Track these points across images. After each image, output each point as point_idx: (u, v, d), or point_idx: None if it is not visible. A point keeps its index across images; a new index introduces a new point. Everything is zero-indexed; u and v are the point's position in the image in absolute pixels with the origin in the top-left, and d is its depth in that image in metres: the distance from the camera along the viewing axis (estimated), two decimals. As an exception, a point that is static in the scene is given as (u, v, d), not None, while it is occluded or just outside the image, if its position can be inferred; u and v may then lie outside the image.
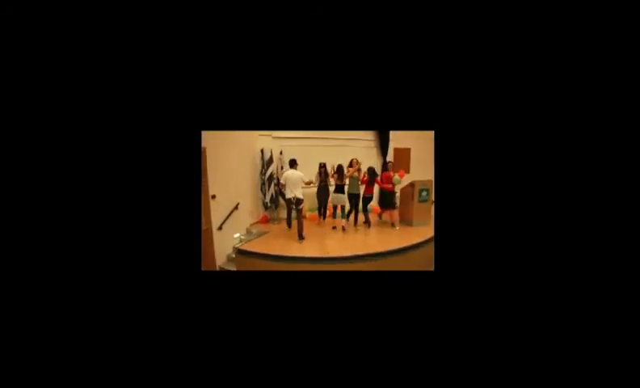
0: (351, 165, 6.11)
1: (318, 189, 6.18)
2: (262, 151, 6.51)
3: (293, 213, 5.69)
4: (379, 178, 6.31)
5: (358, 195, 6.05)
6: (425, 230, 5.18)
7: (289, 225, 5.90)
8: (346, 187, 5.91)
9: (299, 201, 5.43)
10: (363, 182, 6.35)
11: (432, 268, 2.08)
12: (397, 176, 6.43)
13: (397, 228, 6.26)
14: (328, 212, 6.61)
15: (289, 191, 5.41)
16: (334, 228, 5.85)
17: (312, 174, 6.03)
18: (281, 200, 6.47)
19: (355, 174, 6.01)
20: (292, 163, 5.61)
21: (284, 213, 6.31)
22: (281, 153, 6.57)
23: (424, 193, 6.17)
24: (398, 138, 8.06)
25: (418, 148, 7.92)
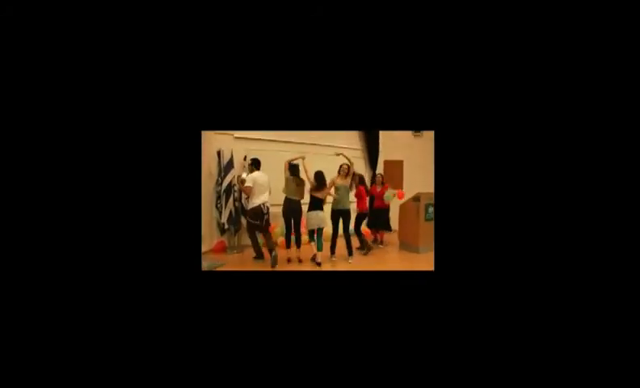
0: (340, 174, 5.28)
1: (287, 204, 5.09)
2: (219, 153, 5.69)
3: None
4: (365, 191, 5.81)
5: (347, 211, 5.27)
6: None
7: (259, 254, 5.16)
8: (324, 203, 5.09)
9: (267, 211, 4.89)
10: (357, 195, 5.78)
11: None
12: (389, 192, 5.98)
13: (382, 246, 6.10)
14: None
15: (258, 196, 4.86)
16: (318, 264, 5.06)
17: (278, 185, 5.20)
18: (243, 222, 5.65)
19: (343, 182, 5.27)
20: (257, 164, 5.08)
21: (246, 239, 5.57)
22: (245, 158, 5.78)
23: (432, 210, 5.72)
24: (388, 149, 7.99)
25: (412, 160, 7.98)
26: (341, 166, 5.45)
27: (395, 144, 8.00)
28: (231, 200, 5.77)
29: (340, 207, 5.33)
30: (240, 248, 5.96)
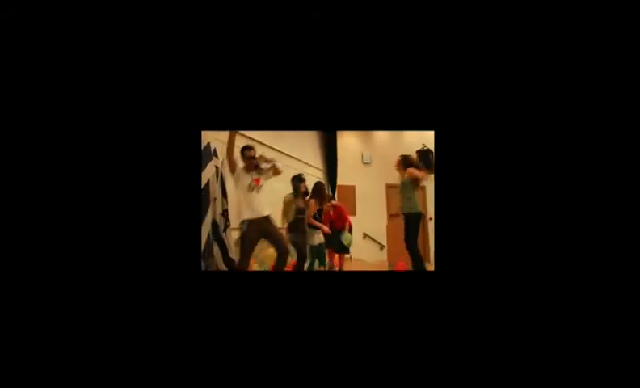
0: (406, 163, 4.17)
1: (292, 227, 4.25)
2: None
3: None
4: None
5: (421, 215, 4.19)
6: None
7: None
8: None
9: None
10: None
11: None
12: (347, 234, 5.42)
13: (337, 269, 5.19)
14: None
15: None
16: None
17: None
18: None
19: (419, 172, 4.10)
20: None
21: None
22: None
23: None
24: (340, 175, 8.30)
25: (361, 186, 8.56)
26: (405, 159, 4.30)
27: (346, 170, 8.44)
28: (210, 212, 3.45)
29: (415, 210, 4.23)
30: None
